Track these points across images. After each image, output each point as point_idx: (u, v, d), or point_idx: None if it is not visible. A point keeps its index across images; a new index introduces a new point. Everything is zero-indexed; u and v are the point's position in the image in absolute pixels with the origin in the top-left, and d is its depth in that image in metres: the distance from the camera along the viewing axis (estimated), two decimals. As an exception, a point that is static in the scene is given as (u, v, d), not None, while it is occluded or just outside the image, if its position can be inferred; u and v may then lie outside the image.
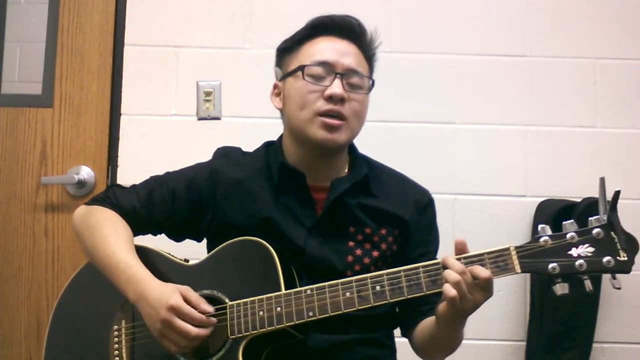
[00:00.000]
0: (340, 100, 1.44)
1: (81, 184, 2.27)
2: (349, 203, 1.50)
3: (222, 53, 2.31)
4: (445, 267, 1.27)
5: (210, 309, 1.35)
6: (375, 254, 1.49)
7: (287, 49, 1.54)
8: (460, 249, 1.29)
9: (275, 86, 1.57)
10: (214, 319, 1.34)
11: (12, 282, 2.26)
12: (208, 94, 2.29)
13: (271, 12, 2.31)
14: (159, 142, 2.28)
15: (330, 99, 1.44)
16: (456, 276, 1.23)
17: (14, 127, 2.30)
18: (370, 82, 1.52)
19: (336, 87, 1.44)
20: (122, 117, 2.30)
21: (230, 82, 2.30)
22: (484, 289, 1.25)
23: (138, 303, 1.36)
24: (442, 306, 1.31)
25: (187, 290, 1.35)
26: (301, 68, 1.47)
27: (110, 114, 2.31)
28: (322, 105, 1.44)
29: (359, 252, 1.49)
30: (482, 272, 1.24)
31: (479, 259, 1.26)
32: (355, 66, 1.48)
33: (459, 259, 1.26)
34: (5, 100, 2.33)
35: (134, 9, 2.33)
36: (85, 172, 2.28)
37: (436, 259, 1.54)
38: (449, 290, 1.24)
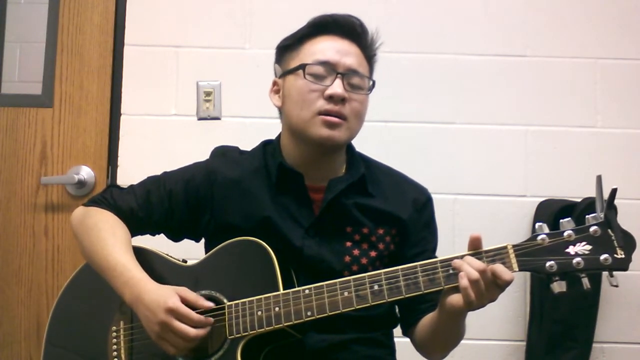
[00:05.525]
0: (341, 100, 1.43)
1: (81, 184, 2.27)
2: (345, 203, 1.50)
3: (222, 53, 2.31)
4: (455, 268, 1.26)
5: (209, 304, 1.35)
6: (373, 254, 1.49)
7: (287, 46, 1.53)
8: (476, 245, 1.27)
9: (274, 83, 1.56)
10: (211, 319, 1.33)
11: (12, 282, 2.26)
12: (208, 94, 2.29)
13: (271, 12, 2.31)
14: (159, 142, 2.28)
15: (331, 98, 1.43)
16: (475, 274, 1.22)
17: (14, 127, 2.30)
18: (371, 82, 1.51)
19: (337, 87, 1.43)
20: (122, 117, 2.30)
21: (230, 82, 2.30)
22: (500, 286, 1.24)
23: (135, 306, 1.36)
24: (455, 300, 1.27)
25: (185, 290, 1.35)
26: (302, 67, 1.46)
27: (110, 114, 2.31)
28: (323, 105, 1.43)
29: (356, 252, 1.48)
30: (505, 274, 1.22)
31: (476, 257, 1.25)
32: (357, 66, 1.48)
33: (461, 257, 1.26)
34: (5, 100, 2.33)
35: (134, 9, 2.33)
36: (85, 172, 2.28)
37: (435, 257, 1.54)
38: (467, 289, 1.23)
